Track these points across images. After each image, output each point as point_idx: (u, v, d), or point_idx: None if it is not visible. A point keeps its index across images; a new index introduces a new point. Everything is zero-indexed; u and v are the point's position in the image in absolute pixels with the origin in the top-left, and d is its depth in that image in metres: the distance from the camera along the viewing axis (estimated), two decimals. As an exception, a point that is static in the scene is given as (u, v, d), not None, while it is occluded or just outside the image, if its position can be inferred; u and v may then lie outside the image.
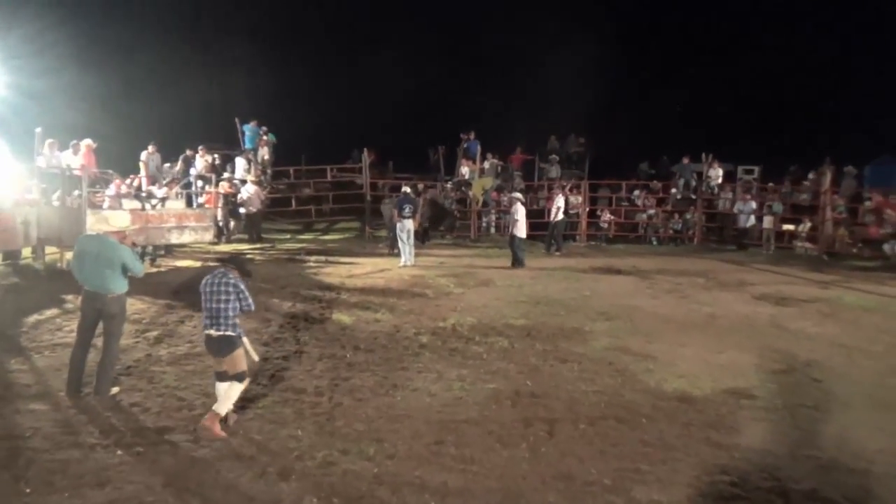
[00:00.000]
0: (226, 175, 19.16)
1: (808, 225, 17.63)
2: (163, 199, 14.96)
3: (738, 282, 12.80)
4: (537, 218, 18.22)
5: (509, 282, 12.55)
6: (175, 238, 14.06)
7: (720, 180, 20.15)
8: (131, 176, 16.57)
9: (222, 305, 5.60)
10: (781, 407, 6.29)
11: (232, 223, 18.24)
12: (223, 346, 5.63)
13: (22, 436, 5.39)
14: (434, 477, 4.82)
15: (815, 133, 24.45)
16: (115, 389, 6.39)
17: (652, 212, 20.14)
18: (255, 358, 6.04)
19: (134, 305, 9.73)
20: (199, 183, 18.08)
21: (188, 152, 19.00)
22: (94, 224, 6.51)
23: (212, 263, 14.00)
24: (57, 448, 5.18)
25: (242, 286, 5.73)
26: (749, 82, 29.08)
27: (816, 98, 26.74)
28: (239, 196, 18.00)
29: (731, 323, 9.56)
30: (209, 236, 14.89)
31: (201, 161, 18.64)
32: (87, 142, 15.48)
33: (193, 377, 6.91)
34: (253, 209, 17.78)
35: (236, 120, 21.00)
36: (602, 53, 27.02)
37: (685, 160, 20.74)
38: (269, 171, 20.93)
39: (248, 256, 15.08)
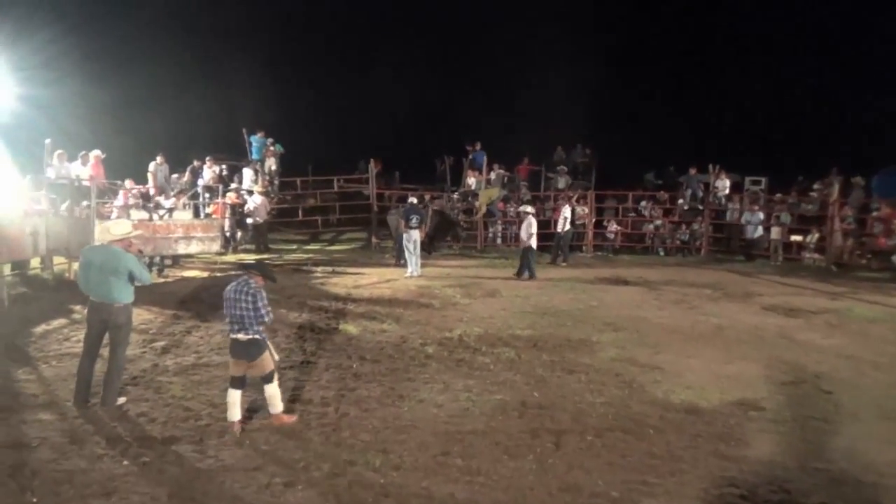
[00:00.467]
0: (233, 186, 19.25)
1: (817, 236, 17.55)
2: (170, 210, 15.03)
3: (745, 293, 12.74)
4: (544, 228, 18.19)
5: (516, 292, 12.53)
6: (182, 248, 14.12)
7: (727, 191, 20.09)
8: (133, 184, 16.64)
9: (245, 312, 5.71)
10: (790, 419, 6.24)
11: (239, 233, 18.32)
12: (251, 350, 5.78)
13: (28, 445, 5.40)
14: (440, 488, 4.80)
15: (823, 143, 24.36)
16: (121, 399, 6.40)
17: (659, 222, 20.09)
18: (276, 357, 6.14)
19: (141, 316, 9.77)
20: (207, 194, 18.17)
21: (196, 163, 19.12)
22: (98, 235, 6.50)
23: (220, 273, 14.07)
24: (63, 458, 5.19)
25: (263, 297, 5.82)
26: (756, 92, 29.04)
27: (824, 108, 26.68)
28: (246, 207, 18.08)
29: (739, 334, 9.51)
30: (216, 247, 14.95)
31: (209, 172, 18.75)
32: (96, 153, 15.60)
33: (200, 387, 6.91)
34: (259, 220, 17.86)
35: (243, 131, 21.09)
36: (608, 64, 27.13)
37: (692, 171, 20.70)
38: (276, 181, 21.01)
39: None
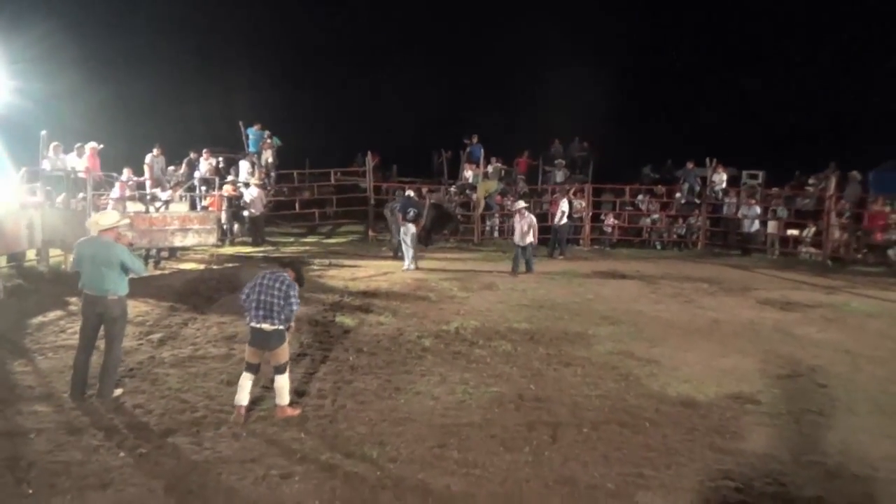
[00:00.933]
0: (230, 178, 19.19)
1: (813, 230, 17.57)
2: (167, 202, 14.99)
3: (742, 287, 12.76)
4: (541, 222, 18.18)
5: (512, 285, 12.54)
6: (179, 241, 14.08)
7: (724, 185, 20.10)
8: (131, 173, 16.62)
9: (276, 300, 5.78)
10: (786, 412, 6.27)
11: (235, 226, 18.28)
12: (274, 340, 5.86)
13: (25, 437, 5.41)
14: (437, 480, 4.81)
15: (820, 138, 24.37)
16: (118, 391, 6.39)
17: (656, 216, 20.08)
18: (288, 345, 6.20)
19: (137, 308, 9.76)
20: (203, 186, 18.12)
21: (192, 155, 19.06)
22: (87, 226, 6.46)
23: (217, 266, 14.06)
24: (59, 449, 5.19)
25: (294, 290, 5.89)
26: (754, 86, 29.02)
27: (822, 103, 26.66)
28: (242, 199, 18.05)
29: (736, 328, 9.53)
30: (213, 239, 14.90)
31: (205, 164, 18.69)
32: (92, 144, 15.53)
33: (196, 379, 6.91)
34: (256, 212, 17.82)
35: (240, 123, 21.03)
36: (606, 58, 27.05)
37: (689, 165, 20.68)
38: (272, 174, 20.96)
39: (251, 259, 15.13)
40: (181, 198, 16.16)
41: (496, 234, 20.58)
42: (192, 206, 16.51)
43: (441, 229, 19.30)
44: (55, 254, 13.06)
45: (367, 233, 19.91)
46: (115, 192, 14.67)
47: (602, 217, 20.27)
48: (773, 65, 28.82)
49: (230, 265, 14.31)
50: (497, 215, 20.68)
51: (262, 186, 18.68)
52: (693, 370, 7.50)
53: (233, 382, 6.67)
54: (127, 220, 7.03)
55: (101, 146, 15.87)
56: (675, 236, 19.91)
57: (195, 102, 25.10)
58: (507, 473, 4.95)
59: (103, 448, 5.25)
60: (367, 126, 27.92)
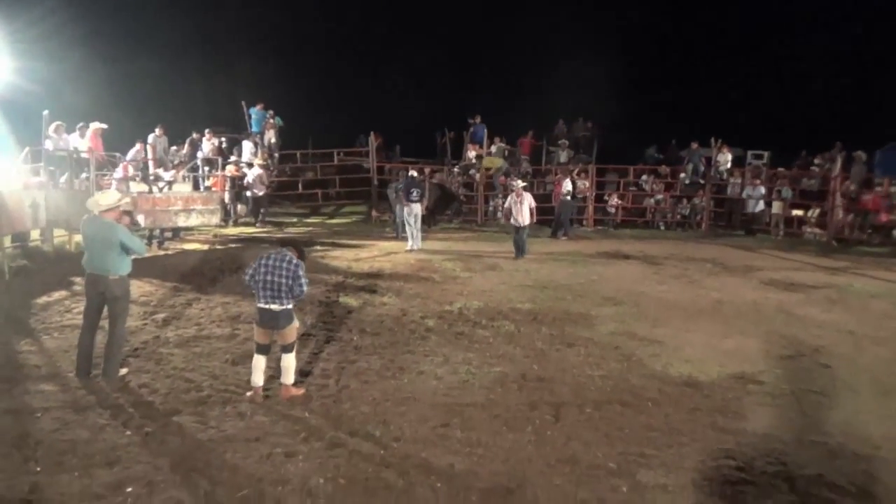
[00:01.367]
0: (232, 158, 19.16)
1: (818, 211, 17.51)
2: (170, 183, 14.98)
3: (745, 267, 12.75)
4: (545, 202, 18.18)
5: (515, 266, 12.54)
6: (182, 221, 14.08)
7: (729, 165, 20.01)
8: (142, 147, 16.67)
9: (283, 280, 5.77)
10: (788, 392, 6.28)
11: (239, 207, 18.28)
12: (282, 320, 5.86)
13: (32, 415, 5.45)
14: (440, 459, 4.84)
15: (826, 118, 24.21)
16: (123, 371, 6.43)
17: (660, 197, 20.03)
18: (297, 325, 6.21)
19: (142, 288, 9.80)
20: (206, 166, 18.09)
21: (195, 135, 19.01)
22: (89, 206, 6.44)
23: (220, 246, 14.07)
24: (66, 428, 5.23)
25: (302, 270, 5.89)
26: (760, 67, 28.78)
27: (828, 83, 26.45)
28: (245, 179, 18.02)
29: (739, 308, 9.53)
30: (216, 219, 14.92)
31: (208, 144, 18.64)
32: (95, 125, 15.47)
33: (201, 359, 6.94)
34: (259, 192, 17.81)
35: (243, 103, 20.94)
36: (611, 38, 26.82)
37: (694, 145, 20.58)
38: (275, 154, 20.92)
39: (255, 240, 15.14)
40: (184, 178, 16.15)
41: (499, 214, 20.54)
42: (196, 187, 16.50)
43: (444, 210, 19.31)
44: (59, 234, 13.09)
45: (371, 213, 19.90)
46: (119, 172, 14.66)
47: (606, 198, 20.22)
48: (778, 44, 28.52)
49: (234, 246, 14.32)
50: (501, 196, 20.62)
51: (265, 167, 18.64)
52: (696, 350, 7.51)
53: (237, 362, 6.74)
54: (128, 200, 7.02)
55: (105, 126, 15.83)
56: (678, 217, 19.88)
57: (197, 82, 25.02)
58: (509, 453, 4.98)
59: (109, 427, 5.29)
60: (370, 106, 27.82)
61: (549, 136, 23.26)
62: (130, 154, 15.98)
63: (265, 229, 16.99)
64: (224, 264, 11.80)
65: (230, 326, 8.11)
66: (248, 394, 5.93)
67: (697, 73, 28.64)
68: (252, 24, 28.69)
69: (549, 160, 22.37)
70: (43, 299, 9.23)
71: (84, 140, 15.00)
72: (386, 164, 21.46)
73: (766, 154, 21.46)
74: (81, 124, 15.27)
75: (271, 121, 20.92)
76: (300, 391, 6.04)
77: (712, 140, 20.06)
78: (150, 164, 16.68)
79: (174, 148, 18.65)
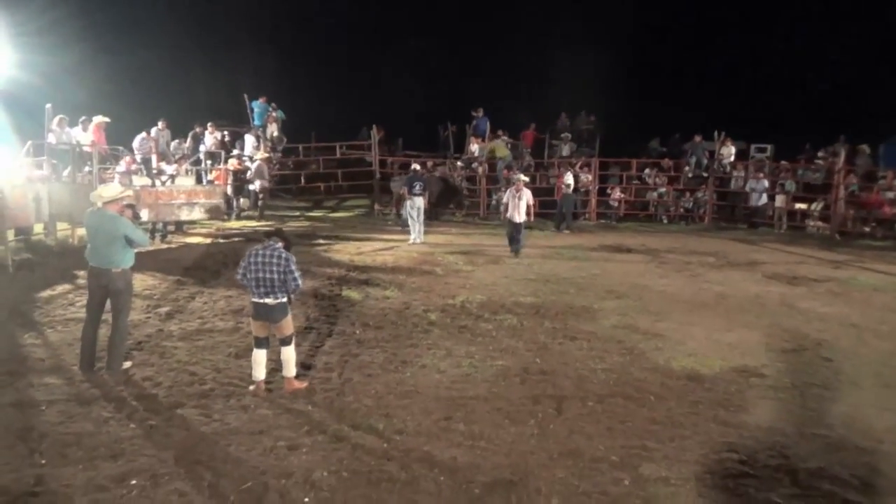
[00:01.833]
0: (235, 152, 19.16)
1: (821, 204, 17.47)
2: (173, 176, 14.99)
3: (748, 261, 12.74)
4: (549, 196, 18.19)
5: (518, 260, 12.54)
6: (185, 215, 14.11)
7: (732, 158, 19.95)
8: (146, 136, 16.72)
9: (276, 276, 5.79)
10: (790, 386, 6.29)
11: (241, 200, 18.29)
12: (278, 313, 5.90)
13: (37, 408, 5.47)
14: (443, 452, 4.86)
15: (830, 111, 24.09)
16: (127, 364, 6.45)
17: (663, 190, 19.99)
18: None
19: (145, 281, 9.83)
20: (209, 160, 18.10)
21: (197, 129, 19.02)
22: (91, 199, 6.45)
23: (223, 240, 14.09)
24: (71, 421, 5.26)
25: (293, 264, 5.89)
26: (763, 59, 28.66)
27: (832, 76, 26.34)
28: (248, 173, 18.03)
29: (741, 302, 9.53)
30: (219, 213, 14.94)
31: (210, 138, 18.66)
32: (98, 119, 15.49)
33: (204, 352, 6.97)
34: (261, 185, 17.81)
35: (245, 96, 20.93)
36: (613, 31, 26.70)
37: (697, 138, 20.52)
38: (278, 147, 20.91)
39: (258, 233, 15.13)
40: (187, 172, 16.16)
41: (502, 208, 20.51)
42: (198, 180, 16.52)
43: (447, 203, 19.29)
44: (62, 227, 13.11)
45: (373, 206, 19.90)
46: (122, 166, 14.67)
47: (608, 191, 20.18)
48: (782, 37, 28.38)
49: (236, 239, 14.34)
50: (504, 189, 20.60)
51: (268, 160, 18.64)
52: (698, 344, 7.51)
53: (240, 355, 6.75)
54: (130, 193, 7.03)
55: (108, 120, 15.84)
56: (681, 210, 19.83)
57: (200, 76, 24.97)
58: (512, 446, 5.00)
59: (113, 420, 5.31)
60: (373, 99, 27.75)
61: (551, 130, 23.20)
62: (137, 141, 16.01)
63: (268, 223, 17.00)
64: (227, 258, 11.82)
65: (233, 320, 8.13)
66: (252, 387, 5.95)
67: (700, 65, 28.50)
68: (254, 17, 28.59)
69: (552, 154, 22.32)
70: (46, 293, 9.25)
71: (87, 134, 15.03)
72: (388, 157, 21.44)
73: (769, 147, 21.38)
74: (84, 118, 15.30)
75: (273, 114, 20.90)
76: (303, 384, 6.06)
77: (715, 133, 20.00)
78: (154, 157, 16.69)
79: (176, 141, 18.66)
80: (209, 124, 18.85)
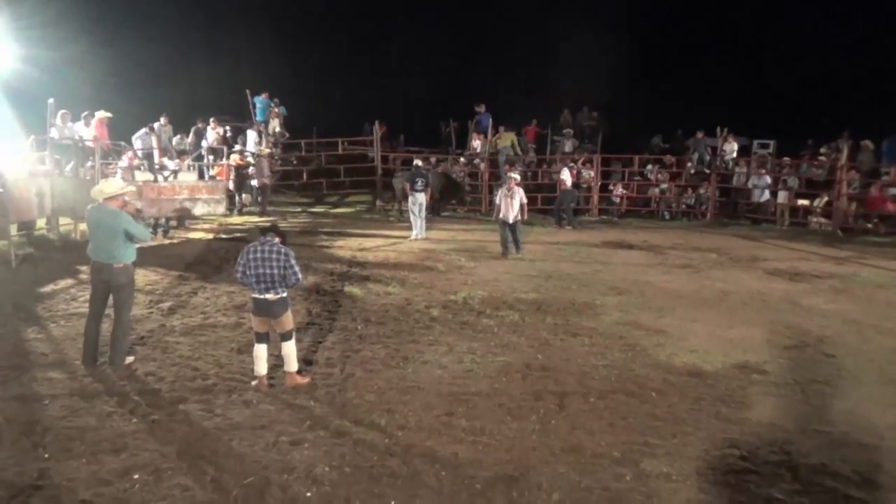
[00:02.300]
0: (237, 147, 19.15)
1: (824, 200, 17.42)
2: (175, 172, 14.99)
3: (750, 257, 12.72)
4: (551, 192, 18.15)
5: (520, 256, 12.52)
6: (188, 209, 14.09)
7: (735, 154, 19.90)
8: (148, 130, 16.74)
9: (276, 271, 5.82)
10: (792, 382, 6.29)
11: (244, 195, 18.29)
12: (278, 308, 5.94)
13: (40, 403, 5.49)
14: (445, 448, 4.87)
15: (834, 107, 24.01)
16: (129, 359, 6.47)
17: (665, 186, 19.95)
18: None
19: (147, 277, 9.85)
20: (211, 155, 18.10)
21: (199, 124, 19.00)
22: (93, 194, 6.46)
23: (225, 235, 14.10)
24: (74, 415, 5.28)
25: (292, 259, 5.91)
26: (767, 55, 28.55)
27: (834, 72, 26.23)
28: (250, 168, 18.02)
29: (744, 298, 9.51)
30: (221, 208, 14.93)
31: (212, 133, 18.65)
32: (100, 114, 15.48)
33: (207, 347, 6.98)
34: (264, 181, 17.80)
35: (247, 92, 20.91)
36: (616, 26, 26.63)
37: (699, 135, 20.46)
38: (280, 143, 20.90)
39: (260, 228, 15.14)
40: (189, 167, 16.16)
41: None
42: (200, 176, 16.51)
43: (449, 200, 19.28)
44: (65, 222, 13.13)
45: (375, 203, 19.89)
46: (124, 161, 14.67)
47: (610, 187, 20.14)
48: (784, 33, 28.27)
49: (239, 235, 14.34)
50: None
51: (270, 156, 18.63)
52: (700, 340, 7.51)
53: (243, 350, 6.77)
54: (131, 188, 7.04)
55: (111, 115, 15.83)
56: (683, 206, 19.79)
57: (202, 71, 24.93)
58: (513, 441, 5.00)
59: (116, 414, 5.33)
60: (375, 95, 27.71)
61: (554, 125, 23.15)
62: (138, 135, 16.02)
63: (270, 219, 16.99)
64: (229, 253, 11.82)
65: (235, 315, 8.14)
66: (254, 382, 5.96)
67: (703, 62, 28.39)
68: (257, 12, 28.57)
69: (554, 150, 22.29)
70: (49, 287, 9.27)
71: (89, 129, 15.03)
72: (390, 153, 21.43)
73: (771, 143, 21.31)
74: (86, 113, 15.29)
75: (276, 110, 20.88)
76: (305, 380, 6.07)
77: (718, 129, 19.95)
78: (156, 153, 16.69)
79: (178, 137, 18.66)
80: (211, 120, 18.85)
